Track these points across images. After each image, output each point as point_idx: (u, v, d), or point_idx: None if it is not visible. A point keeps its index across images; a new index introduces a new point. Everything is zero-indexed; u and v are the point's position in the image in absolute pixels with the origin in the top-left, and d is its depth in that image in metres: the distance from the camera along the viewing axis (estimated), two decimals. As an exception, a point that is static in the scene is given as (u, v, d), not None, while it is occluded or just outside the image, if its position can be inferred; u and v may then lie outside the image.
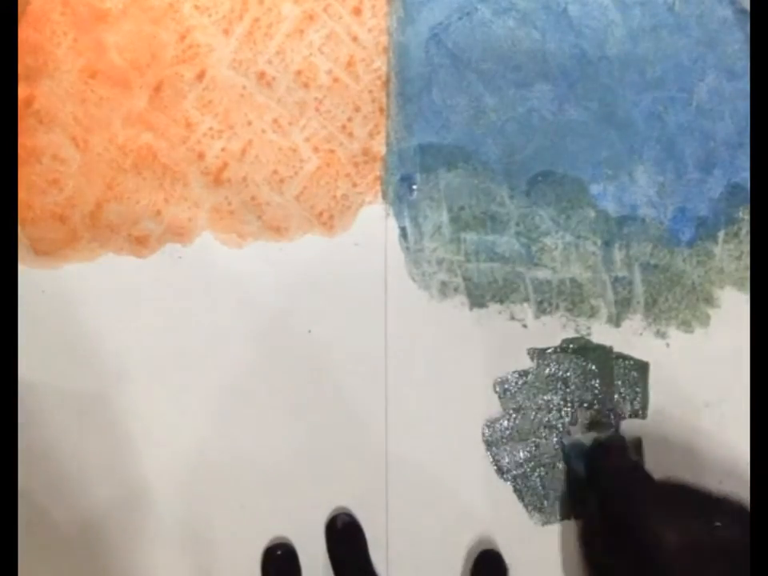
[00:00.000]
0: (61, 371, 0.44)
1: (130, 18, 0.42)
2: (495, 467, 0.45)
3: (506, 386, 0.46)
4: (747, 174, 0.46)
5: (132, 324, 0.44)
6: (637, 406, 0.46)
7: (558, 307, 0.46)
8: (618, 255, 0.46)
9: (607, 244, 0.46)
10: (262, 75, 0.43)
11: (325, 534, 0.45)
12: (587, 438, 0.45)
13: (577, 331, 0.46)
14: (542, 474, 0.45)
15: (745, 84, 0.45)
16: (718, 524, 0.37)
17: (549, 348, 0.46)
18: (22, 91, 0.42)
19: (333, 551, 0.44)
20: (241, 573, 0.45)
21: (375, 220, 0.45)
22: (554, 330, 0.46)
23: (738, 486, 0.45)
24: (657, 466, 0.44)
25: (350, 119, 0.44)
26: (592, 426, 0.45)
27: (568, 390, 0.45)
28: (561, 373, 0.45)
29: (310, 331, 0.45)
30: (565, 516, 0.45)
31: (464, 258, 0.45)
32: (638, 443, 0.45)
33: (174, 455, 0.44)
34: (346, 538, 0.44)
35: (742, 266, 0.46)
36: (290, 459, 0.45)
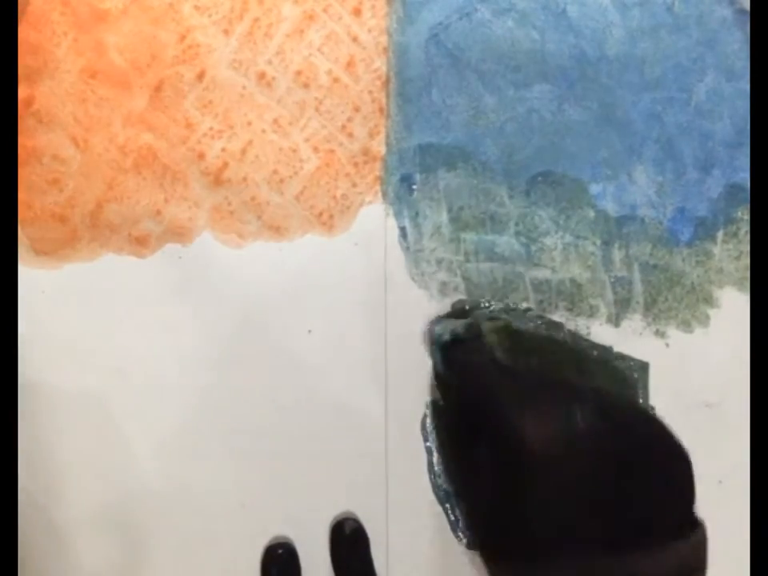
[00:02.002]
0: (61, 371, 0.44)
1: (130, 18, 0.42)
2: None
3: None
4: (746, 174, 0.46)
5: (132, 324, 0.44)
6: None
7: (557, 307, 0.46)
8: (617, 255, 0.46)
9: (606, 244, 0.46)
10: (262, 75, 0.43)
11: (330, 537, 0.45)
12: (450, 326, 0.42)
13: (576, 331, 0.46)
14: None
15: (744, 84, 0.45)
16: (579, 420, 0.35)
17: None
18: (22, 91, 0.42)
19: (337, 556, 0.44)
20: (241, 572, 0.45)
21: (375, 220, 0.45)
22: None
23: (737, 486, 0.46)
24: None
25: (349, 119, 0.44)
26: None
27: None
28: None
29: (310, 331, 0.45)
30: None
31: (464, 258, 0.45)
32: (502, 328, 0.42)
33: (173, 455, 0.44)
34: (352, 544, 0.44)
35: (742, 266, 0.46)
36: (290, 458, 0.45)
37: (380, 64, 0.44)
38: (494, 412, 0.36)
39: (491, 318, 0.43)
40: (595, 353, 0.45)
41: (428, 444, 0.45)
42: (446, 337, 0.42)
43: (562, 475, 0.35)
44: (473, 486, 0.39)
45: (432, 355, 0.44)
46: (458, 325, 0.42)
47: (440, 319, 0.44)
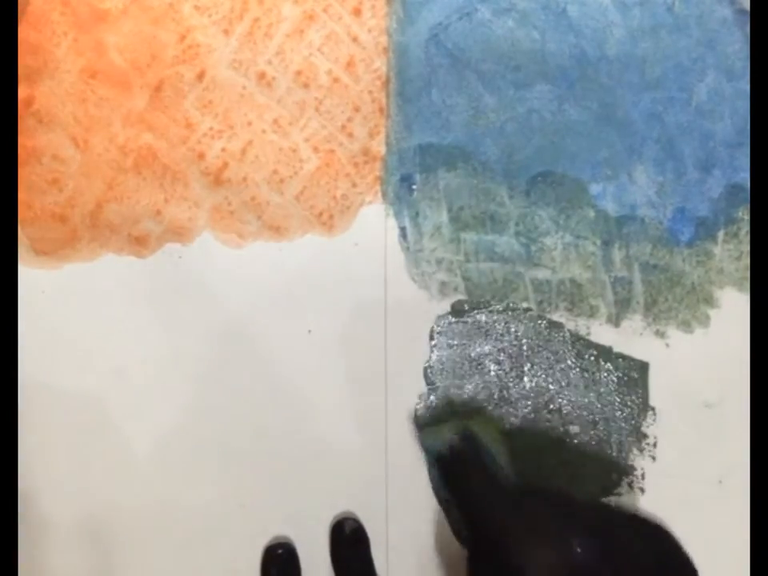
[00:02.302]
0: (61, 371, 0.44)
1: (130, 18, 0.42)
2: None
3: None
4: (747, 174, 0.46)
5: (132, 324, 0.44)
6: (635, 407, 0.46)
7: (557, 307, 0.46)
8: (617, 255, 0.46)
9: (607, 244, 0.46)
10: (262, 75, 0.43)
11: (330, 537, 0.45)
12: (441, 433, 0.41)
13: (576, 331, 0.46)
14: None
15: (744, 84, 0.45)
16: (577, 549, 0.34)
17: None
18: (22, 91, 0.42)
19: (338, 556, 0.44)
20: (241, 572, 0.45)
21: (375, 220, 0.45)
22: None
23: (737, 486, 0.46)
24: (661, 470, 0.44)
25: (349, 119, 0.44)
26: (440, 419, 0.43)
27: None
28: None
29: (310, 331, 0.45)
30: None
31: (463, 258, 0.45)
32: (498, 432, 0.42)
33: (173, 455, 0.44)
34: (352, 544, 0.44)
35: (742, 266, 0.46)
36: (290, 458, 0.45)
37: (380, 64, 0.44)
38: (492, 534, 0.36)
39: (476, 413, 0.43)
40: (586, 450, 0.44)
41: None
42: (443, 451, 0.41)
43: None
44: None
45: (428, 467, 0.44)
46: (455, 437, 0.41)
47: (429, 427, 0.43)
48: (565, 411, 0.46)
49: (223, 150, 0.43)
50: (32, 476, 0.44)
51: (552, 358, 0.46)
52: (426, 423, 0.44)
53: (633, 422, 0.46)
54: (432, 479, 0.44)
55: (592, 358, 0.46)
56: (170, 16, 0.42)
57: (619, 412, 0.46)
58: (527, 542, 0.35)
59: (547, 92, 0.45)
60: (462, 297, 0.45)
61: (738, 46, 0.45)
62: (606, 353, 0.46)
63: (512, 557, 0.35)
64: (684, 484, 0.46)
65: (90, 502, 0.44)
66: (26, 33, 0.42)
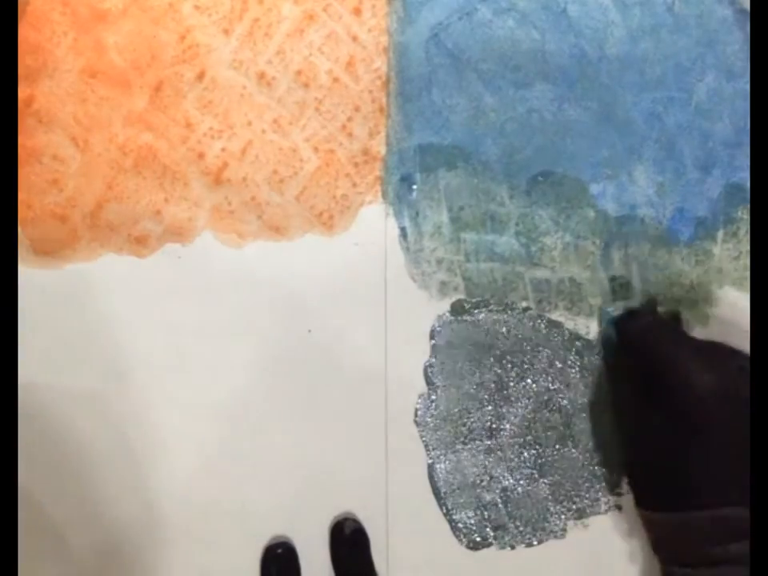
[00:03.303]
0: (61, 371, 0.44)
1: (130, 18, 0.42)
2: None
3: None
4: (746, 174, 0.46)
5: (132, 324, 0.44)
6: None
7: (557, 307, 0.46)
8: (617, 255, 0.46)
9: (606, 244, 0.46)
10: (262, 75, 0.43)
11: (330, 538, 0.45)
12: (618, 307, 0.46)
13: (576, 330, 0.46)
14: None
15: (744, 84, 0.45)
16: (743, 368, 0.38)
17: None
18: (22, 91, 0.42)
19: (338, 556, 0.45)
20: (241, 572, 0.45)
21: (375, 220, 0.45)
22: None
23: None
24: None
25: (350, 119, 0.44)
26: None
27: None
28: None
29: (309, 331, 0.45)
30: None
31: (464, 258, 0.45)
32: (676, 315, 0.46)
33: (173, 455, 0.44)
34: (352, 544, 0.44)
35: (741, 266, 0.46)
36: (290, 458, 0.45)
37: (380, 64, 0.44)
38: (672, 367, 0.39)
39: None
40: None
41: (424, 439, 0.45)
42: (619, 312, 0.45)
43: (727, 427, 0.38)
44: (644, 445, 0.42)
45: (604, 335, 0.46)
46: (631, 303, 0.45)
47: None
48: (564, 411, 0.46)
49: (223, 149, 0.43)
50: (32, 476, 0.44)
51: (552, 357, 0.46)
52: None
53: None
54: (604, 344, 0.46)
55: (592, 358, 0.46)
56: (169, 16, 0.42)
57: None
58: (705, 362, 0.39)
59: (547, 92, 0.45)
60: (461, 297, 0.45)
61: (737, 46, 0.45)
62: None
63: (690, 373, 0.39)
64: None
65: (89, 502, 0.44)
66: (26, 33, 0.42)
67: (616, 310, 0.45)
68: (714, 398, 0.38)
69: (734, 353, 0.41)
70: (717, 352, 0.41)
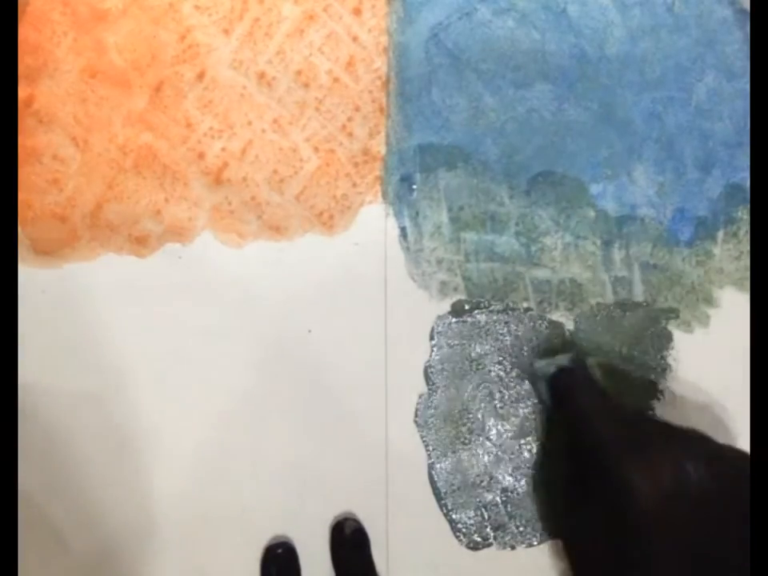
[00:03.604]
0: (61, 371, 0.44)
1: (129, 18, 0.42)
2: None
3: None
4: (746, 174, 0.46)
5: (132, 324, 0.44)
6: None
7: (557, 307, 0.46)
8: (617, 255, 0.46)
9: (607, 244, 0.46)
10: (262, 75, 0.43)
11: (330, 538, 0.45)
12: (550, 362, 0.43)
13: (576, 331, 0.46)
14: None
15: (744, 84, 0.45)
16: (692, 472, 0.34)
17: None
18: (22, 91, 0.42)
19: (338, 556, 0.44)
20: (241, 572, 0.45)
21: (375, 220, 0.45)
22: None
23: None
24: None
25: (350, 119, 0.44)
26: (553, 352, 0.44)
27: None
28: None
29: (310, 331, 0.45)
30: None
31: (464, 258, 0.45)
32: (606, 365, 0.44)
33: (173, 455, 0.44)
34: (352, 545, 0.44)
35: (742, 266, 0.46)
36: (289, 458, 0.45)
37: (380, 64, 0.44)
38: (605, 453, 0.36)
39: (592, 355, 0.45)
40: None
41: (424, 439, 0.45)
42: (552, 369, 0.43)
43: (673, 529, 0.34)
44: (578, 535, 0.39)
45: (537, 391, 0.44)
46: (562, 358, 0.43)
47: (540, 356, 0.44)
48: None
49: (223, 149, 0.43)
50: (32, 476, 0.43)
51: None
52: (540, 354, 0.45)
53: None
54: (540, 403, 0.45)
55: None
56: (169, 16, 0.42)
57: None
58: (640, 459, 0.35)
59: (547, 92, 0.45)
60: (462, 297, 0.45)
61: (737, 46, 0.45)
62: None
63: (623, 472, 0.35)
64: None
65: (89, 502, 0.44)
66: (26, 33, 0.42)
67: (548, 366, 0.43)
68: (651, 500, 0.34)
69: (676, 440, 0.37)
70: (658, 446, 0.36)
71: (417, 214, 0.45)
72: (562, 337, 0.45)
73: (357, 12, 0.43)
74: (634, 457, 0.35)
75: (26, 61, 0.42)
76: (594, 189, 0.45)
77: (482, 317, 0.45)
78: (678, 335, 0.46)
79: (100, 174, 0.43)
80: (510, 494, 0.46)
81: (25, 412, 0.42)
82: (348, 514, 0.45)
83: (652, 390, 0.45)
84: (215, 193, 0.44)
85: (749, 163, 0.46)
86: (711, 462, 0.36)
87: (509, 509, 0.46)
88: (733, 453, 0.38)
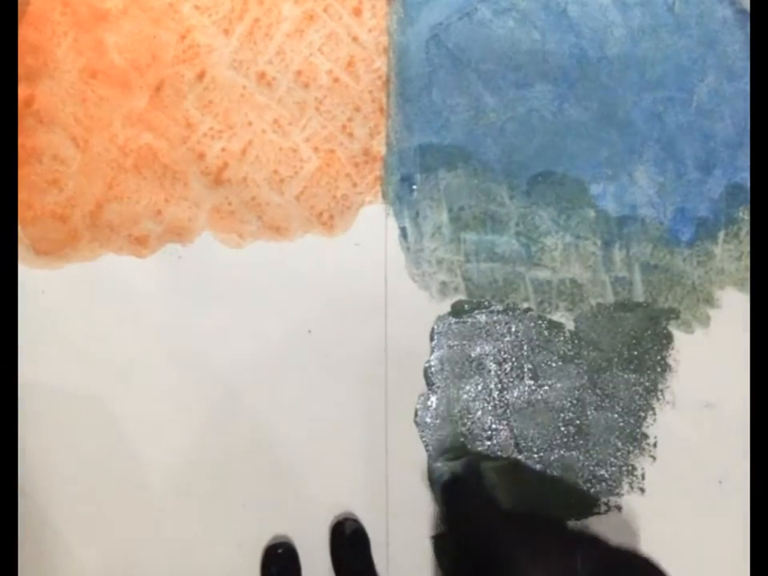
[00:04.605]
0: (61, 371, 0.44)
1: (130, 18, 0.42)
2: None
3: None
4: (747, 174, 0.46)
5: (132, 324, 0.44)
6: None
7: (557, 307, 0.46)
8: (617, 255, 0.46)
9: (607, 244, 0.46)
10: (262, 75, 0.43)
11: (330, 537, 0.45)
12: (449, 466, 0.44)
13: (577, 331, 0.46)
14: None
15: (745, 84, 0.45)
16: (579, 566, 0.35)
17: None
18: (22, 91, 0.42)
19: (338, 555, 0.44)
20: (241, 572, 0.45)
21: (375, 220, 0.45)
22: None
23: (737, 485, 0.46)
24: (661, 470, 0.44)
25: (350, 119, 0.44)
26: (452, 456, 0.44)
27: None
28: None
29: (310, 331, 0.45)
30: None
31: (464, 258, 0.45)
32: (502, 469, 0.44)
33: (173, 454, 0.44)
34: (352, 544, 0.44)
35: (743, 267, 0.46)
36: (289, 458, 0.45)
37: (380, 64, 0.44)
38: (494, 559, 0.37)
39: (491, 459, 0.44)
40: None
41: (424, 440, 0.45)
42: (446, 477, 0.43)
43: None
44: None
45: (433, 493, 0.45)
46: (457, 464, 0.43)
47: (441, 458, 0.45)
48: (565, 412, 0.46)
49: (223, 149, 0.43)
50: (32, 475, 0.44)
51: (552, 357, 0.46)
52: (439, 455, 0.45)
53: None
54: (437, 506, 0.45)
55: (593, 355, 0.46)
56: (169, 16, 0.42)
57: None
58: (530, 559, 0.36)
59: (548, 92, 0.45)
60: (462, 297, 0.45)
61: (738, 46, 0.45)
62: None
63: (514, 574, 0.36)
64: (684, 484, 0.46)
65: (90, 500, 0.44)
66: (26, 33, 0.42)
67: (443, 472, 0.44)
68: None
69: (570, 546, 0.37)
70: (551, 545, 0.37)
71: (417, 214, 0.45)
72: (461, 439, 0.45)
73: (357, 12, 0.43)
74: (525, 555, 0.36)
75: (26, 61, 0.42)
76: (595, 189, 0.45)
77: (482, 317, 0.45)
78: (679, 335, 0.46)
79: (100, 174, 0.43)
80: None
81: (24, 411, 0.42)
82: (348, 514, 0.45)
83: (572, 491, 0.46)
84: (215, 193, 0.44)
85: (749, 163, 0.45)
86: (602, 560, 0.36)
87: None
88: (626, 553, 0.39)
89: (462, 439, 0.45)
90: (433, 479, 0.44)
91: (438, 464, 0.44)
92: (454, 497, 0.42)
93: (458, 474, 0.42)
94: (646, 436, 0.46)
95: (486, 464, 0.43)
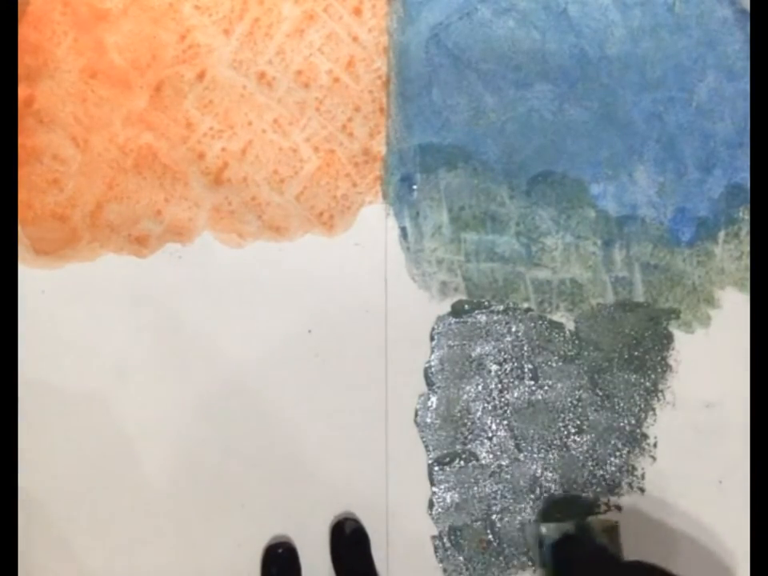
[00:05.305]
0: (61, 371, 0.44)
1: (130, 18, 0.42)
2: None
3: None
4: (748, 174, 0.46)
5: (132, 324, 0.44)
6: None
7: (558, 307, 0.46)
8: (618, 255, 0.46)
9: (607, 244, 0.46)
10: (262, 75, 0.43)
11: (330, 537, 0.45)
12: (556, 528, 0.45)
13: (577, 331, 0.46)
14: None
15: (745, 84, 0.45)
16: None
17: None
18: (22, 91, 0.42)
19: (338, 555, 0.44)
20: (241, 572, 0.45)
21: (375, 220, 0.45)
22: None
23: (737, 486, 0.46)
24: (661, 470, 0.44)
25: (350, 119, 0.44)
26: (560, 517, 0.45)
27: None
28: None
29: (310, 331, 0.45)
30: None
31: (464, 258, 0.45)
32: (611, 528, 0.45)
33: (173, 454, 0.44)
34: (352, 544, 0.44)
35: (743, 267, 0.46)
36: (289, 458, 0.45)
37: (380, 64, 0.44)
38: None
39: (598, 516, 0.45)
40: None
41: (424, 440, 0.45)
42: (556, 536, 0.44)
43: None
44: None
45: (540, 557, 0.45)
46: (568, 525, 0.44)
47: (544, 521, 0.45)
48: (564, 412, 0.46)
49: (223, 149, 0.43)
50: (32, 475, 0.43)
51: (553, 357, 0.46)
52: (546, 517, 0.46)
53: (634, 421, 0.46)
54: (544, 567, 0.45)
55: (593, 355, 0.46)
56: (170, 16, 0.42)
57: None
58: None
59: (548, 92, 0.45)
60: (462, 297, 0.45)
61: (738, 46, 0.45)
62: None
63: None
64: (684, 484, 0.46)
65: (89, 500, 0.44)
66: (26, 33, 0.42)
67: (552, 533, 0.44)
68: None
69: None
70: None
71: (417, 214, 0.45)
72: (571, 502, 0.46)
73: (357, 12, 0.43)
74: None
75: (26, 61, 0.42)
76: (595, 189, 0.45)
77: (482, 317, 0.45)
78: (679, 335, 0.46)
79: (100, 174, 0.43)
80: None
81: (24, 411, 0.42)
82: (348, 514, 0.45)
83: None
84: (215, 193, 0.44)
85: (749, 163, 0.45)
86: None
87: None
88: None
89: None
90: (540, 542, 0.45)
91: (548, 527, 0.45)
92: (566, 553, 0.43)
93: (570, 533, 0.44)
94: (645, 436, 0.46)
95: (594, 522, 0.45)
